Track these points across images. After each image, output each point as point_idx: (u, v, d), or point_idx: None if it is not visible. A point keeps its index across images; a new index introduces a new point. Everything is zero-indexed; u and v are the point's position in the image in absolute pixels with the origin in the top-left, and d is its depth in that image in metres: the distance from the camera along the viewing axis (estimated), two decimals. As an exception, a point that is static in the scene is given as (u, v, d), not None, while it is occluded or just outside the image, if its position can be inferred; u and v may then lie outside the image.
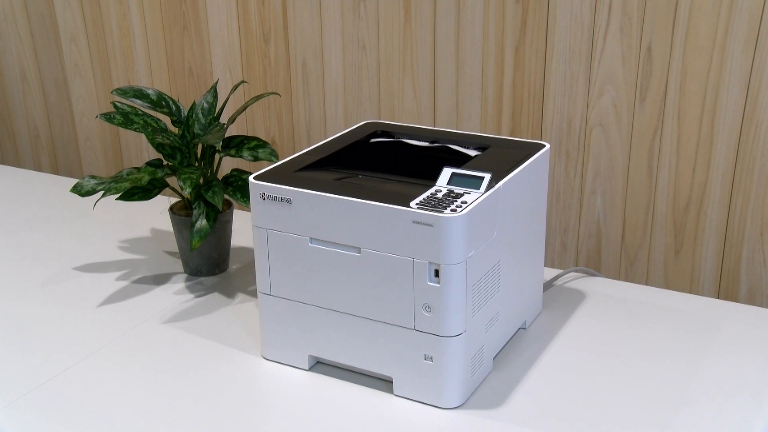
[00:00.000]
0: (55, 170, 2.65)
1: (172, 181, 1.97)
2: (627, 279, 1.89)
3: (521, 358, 1.46)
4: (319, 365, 1.45)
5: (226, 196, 1.73)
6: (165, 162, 1.72)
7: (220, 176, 1.75)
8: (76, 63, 2.48)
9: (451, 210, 1.24)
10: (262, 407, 1.35)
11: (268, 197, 1.35)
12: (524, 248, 1.49)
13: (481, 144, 1.53)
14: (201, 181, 1.67)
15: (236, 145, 1.71)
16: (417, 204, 1.26)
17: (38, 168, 2.68)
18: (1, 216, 2.13)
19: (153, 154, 2.34)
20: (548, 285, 1.69)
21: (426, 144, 1.57)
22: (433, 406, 1.34)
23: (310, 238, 1.35)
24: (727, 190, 1.73)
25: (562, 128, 1.86)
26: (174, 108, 1.74)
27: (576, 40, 1.78)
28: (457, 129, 1.93)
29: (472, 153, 1.51)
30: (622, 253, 1.88)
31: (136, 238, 1.98)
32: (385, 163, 1.53)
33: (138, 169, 1.71)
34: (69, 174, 2.61)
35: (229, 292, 1.71)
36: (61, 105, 2.56)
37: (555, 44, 1.81)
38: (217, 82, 1.81)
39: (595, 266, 1.92)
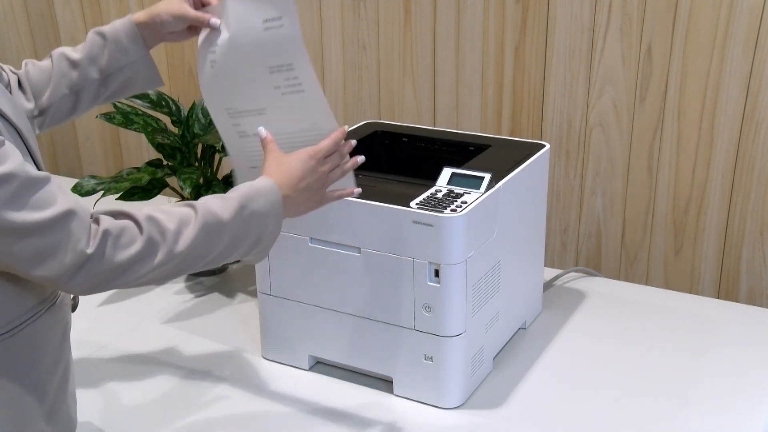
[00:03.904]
0: (55, 170, 2.65)
1: (172, 181, 1.97)
2: (627, 279, 1.88)
3: (521, 358, 1.46)
4: (319, 365, 1.45)
5: (226, 196, 1.72)
6: (165, 162, 1.72)
7: (220, 176, 1.75)
8: (76, 63, 2.47)
9: (451, 210, 1.24)
10: (262, 407, 1.35)
11: (268, 197, 1.35)
12: (524, 248, 1.49)
13: (481, 144, 1.53)
14: (201, 181, 1.67)
15: (236, 145, 1.71)
16: (417, 204, 1.26)
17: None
18: (1, 216, 2.13)
19: (153, 154, 2.33)
20: (548, 285, 1.69)
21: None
22: (433, 406, 1.34)
23: (310, 238, 1.35)
24: (727, 190, 1.73)
25: (562, 128, 1.86)
26: (174, 108, 1.74)
27: (576, 40, 1.78)
28: (457, 129, 1.93)
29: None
30: (622, 253, 1.88)
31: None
32: (385, 163, 1.53)
33: (138, 169, 1.71)
34: (69, 174, 2.61)
35: (229, 292, 1.71)
36: (61, 105, 2.55)
37: (555, 44, 1.81)
38: (217, 82, 1.80)
39: (595, 266, 1.91)
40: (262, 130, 1.18)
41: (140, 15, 1.27)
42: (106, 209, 1.02)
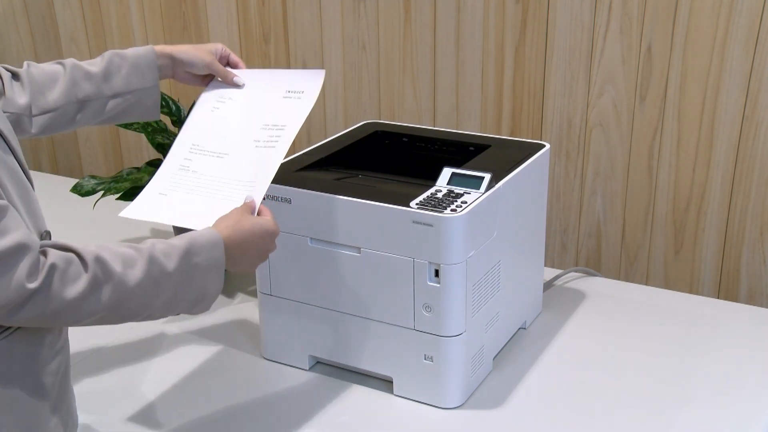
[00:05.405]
0: (55, 170, 2.65)
1: (172, 181, 1.98)
2: (627, 279, 1.88)
3: (521, 358, 1.46)
4: (319, 365, 1.45)
5: (226, 196, 1.72)
6: (165, 162, 1.72)
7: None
8: (76, 63, 2.48)
9: (451, 210, 1.24)
10: (262, 407, 1.35)
11: (268, 197, 1.35)
12: (524, 248, 1.49)
13: (481, 144, 1.53)
14: (201, 181, 1.67)
15: (236, 145, 1.71)
16: (417, 204, 1.26)
17: (38, 168, 2.68)
18: (1, 216, 2.13)
19: (153, 154, 2.33)
20: (548, 285, 1.69)
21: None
22: (433, 406, 1.34)
23: (310, 238, 1.35)
24: (727, 190, 1.73)
25: (562, 128, 1.86)
26: (174, 108, 1.74)
27: (576, 40, 1.78)
28: (457, 129, 1.93)
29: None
30: (622, 253, 1.88)
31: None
32: (385, 163, 1.53)
33: (138, 169, 1.71)
34: (69, 174, 2.61)
35: (229, 292, 1.71)
36: (61, 105, 2.55)
37: (555, 44, 1.81)
38: (217, 82, 1.80)
39: (595, 266, 1.91)
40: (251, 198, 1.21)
41: (164, 48, 1.35)
42: (51, 241, 1.00)
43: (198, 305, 1.11)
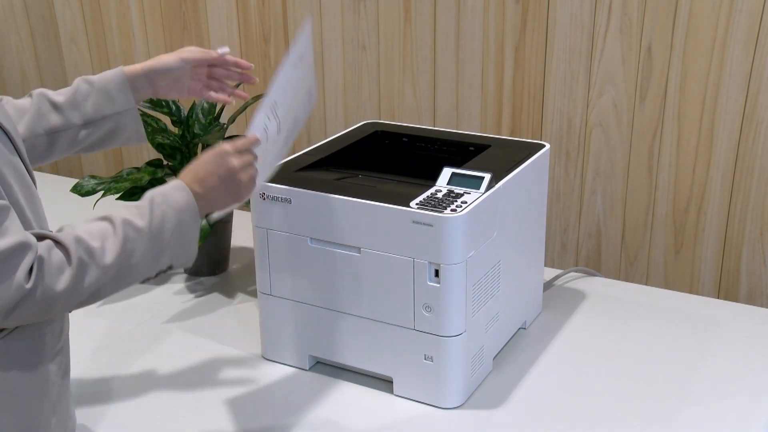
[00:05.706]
0: (55, 170, 2.65)
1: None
2: (627, 279, 1.88)
3: (521, 358, 1.46)
4: (319, 365, 1.45)
5: (226, 196, 1.72)
6: (165, 162, 1.72)
7: (220, 176, 1.75)
8: (76, 63, 2.48)
9: (451, 210, 1.24)
10: (262, 407, 1.35)
11: (268, 197, 1.35)
12: (524, 248, 1.49)
13: (481, 144, 1.53)
14: (201, 181, 1.67)
15: (236, 145, 1.71)
16: (417, 204, 1.26)
17: (38, 168, 2.67)
18: (1, 216, 2.13)
19: (153, 154, 2.33)
20: (548, 285, 1.69)
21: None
22: (433, 406, 1.34)
23: (310, 238, 1.35)
24: (727, 190, 1.73)
25: (562, 128, 1.86)
26: (174, 108, 1.74)
27: (576, 40, 1.78)
28: (457, 129, 1.93)
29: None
30: (622, 253, 1.88)
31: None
32: (385, 163, 1.53)
33: (138, 169, 1.71)
34: (69, 174, 2.61)
35: (229, 292, 1.71)
36: (61, 105, 2.55)
37: (555, 44, 1.81)
38: (217, 82, 1.80)
39: (595, 266, 1.91)
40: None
41: (135, 67, 1.30)
42: (29, 232, 1.00)
43: (182, 253, 1.09)
